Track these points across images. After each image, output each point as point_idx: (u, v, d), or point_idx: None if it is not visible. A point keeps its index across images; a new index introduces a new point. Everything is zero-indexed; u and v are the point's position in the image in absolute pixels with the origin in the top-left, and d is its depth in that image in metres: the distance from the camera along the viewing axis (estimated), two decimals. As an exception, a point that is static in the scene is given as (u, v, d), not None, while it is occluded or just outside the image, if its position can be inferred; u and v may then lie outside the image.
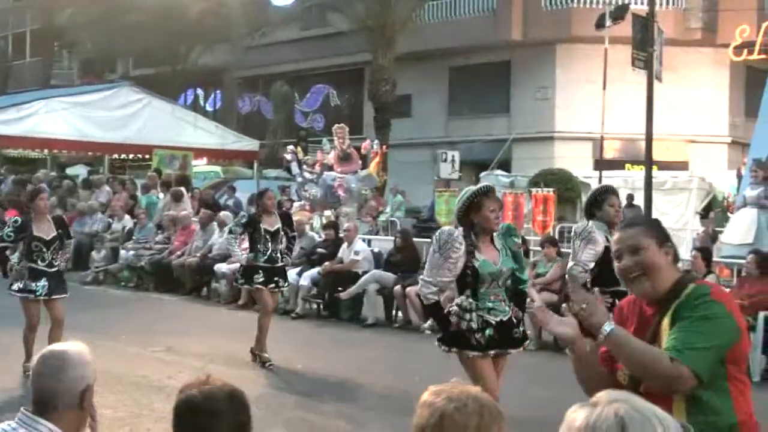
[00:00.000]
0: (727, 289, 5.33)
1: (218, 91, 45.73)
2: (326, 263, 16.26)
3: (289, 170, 23.20)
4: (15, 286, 10.45)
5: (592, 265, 8.05)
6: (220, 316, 16.31)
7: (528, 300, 13.16)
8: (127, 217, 22.02)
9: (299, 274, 16.14)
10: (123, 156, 31.94)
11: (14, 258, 10.85)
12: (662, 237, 3.77)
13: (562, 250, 15.20)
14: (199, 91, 46.07)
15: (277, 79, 39.70)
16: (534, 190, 21.42)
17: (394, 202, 26.74)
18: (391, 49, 31.65)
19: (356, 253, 16.17)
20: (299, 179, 21.62)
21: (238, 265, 17.18)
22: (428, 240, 16.63)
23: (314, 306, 16.41)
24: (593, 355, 3.75)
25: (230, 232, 12.56)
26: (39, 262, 10.38)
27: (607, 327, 3.54)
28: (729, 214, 20.94)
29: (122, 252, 20.29)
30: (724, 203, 24.31)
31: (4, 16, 46.54)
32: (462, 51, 34.47)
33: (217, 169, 33.56)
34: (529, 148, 32.85)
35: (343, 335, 14.42)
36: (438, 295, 7.00)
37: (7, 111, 27.91)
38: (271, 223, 11.99)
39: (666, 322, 3.62)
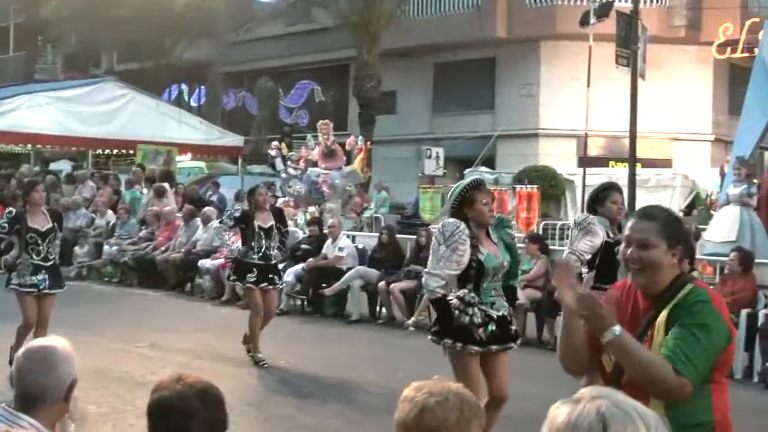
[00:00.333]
0: (710, 287, 5.34)
1: (203, 87, 45.64)
2: (310, 259, 16.26)
3: (273, 166, 23.16)
4: (15, 281, 10.23)
5: (588, 256, 7.98)
6: (203, 311, 16.30)
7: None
8: (110, 212, 21.97)
9: (283, 271, 16.13)
10: (107, 151, 31.84)
11: (10, 255, 10.61)
12: (674, 238, 3.73)
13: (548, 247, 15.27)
14: (184, 87, 45.98)
15: (262, 74, 39.66)
16: (518, 186, 21.46)
17: (378, 199, 26.73)
18: (375, 45, 31.66)
19: (340, 249, 16.18)
20: (283, 175, 21.60)
21: (222, 260, 17.32)
22: (412, 236, 16.75)
23: (298, 302, 16.42)
24: (583, 331, 3.74)
25: (220, 222, 12.37)
26: (34, 256, 10.18)
27: (617, 329, 3.52)
28: (712, 212, 21.01)
29: (105, 247, 20.24)
30: (708, 201, 24.39)
31: (-13, 10, 46.34)
32: (447, 47, 34.47)
33: (202, 164, 33.50)
34: (514, 144, 32.88)
35: (327, 331, 14.43)
36: (445, 289, 6.89)
37: (-9, 105, 27.78)
38: (264, 220, 11.76)
39: (662, 318, 3.62)
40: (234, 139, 32.44)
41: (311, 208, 20.59)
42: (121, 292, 18.57)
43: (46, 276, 10.22)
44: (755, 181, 16.90)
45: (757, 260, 12.78)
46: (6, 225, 10.26)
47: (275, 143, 22.81)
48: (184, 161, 32.01)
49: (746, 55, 25.99)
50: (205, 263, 17.78)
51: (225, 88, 44.41)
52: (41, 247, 10.23)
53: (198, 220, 19.11)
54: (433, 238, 6.99)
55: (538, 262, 13.99)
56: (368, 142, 24.19)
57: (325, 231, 16.91)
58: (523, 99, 33.51)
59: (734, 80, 31.07)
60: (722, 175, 21.07)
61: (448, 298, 6.94)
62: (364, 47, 31.70)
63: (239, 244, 12.25)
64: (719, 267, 13.34)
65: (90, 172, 27.63)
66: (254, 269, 11.55)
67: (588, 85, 23.96)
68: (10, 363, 9.65)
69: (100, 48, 42.45)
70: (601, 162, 29.94)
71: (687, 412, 3.53)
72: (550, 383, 6.82)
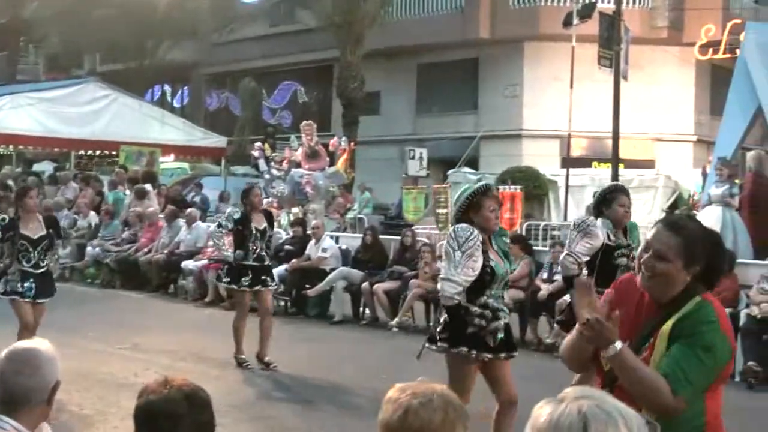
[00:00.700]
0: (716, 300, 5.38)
1: (186, 88, 45.57)
2: (294, 260, 16.25)
3: (256, 167, 23.14)
4: (1, 289, 10.03)
5: (586, 258, 7.90)
6: (186, 313, 16.27)
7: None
8: (92, 213, 21.89)
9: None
10: (89, 152, 31.73)
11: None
12: (694, 258, 3.66)
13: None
14: (167, 87, 45.88)
15: (245, 75, 39.61)
16: (501, 187, 21.42)
17: (361, 199, 26.73)
18: (359, 45, 31.68)
19: (324, 250, 16.18)
20: (267, 176, 21.58)
21: (205, 261, 17.29)
22: (396, 237, 16.76)
23: (281, 303, 16.39)
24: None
25: (219, 226, 11.99)
26: (24, 263, 9.96)
27: (618, 344, 3.50)
28: (694, 212, 21.09)
29: (88, 249, 20.18)
30: (690, 201, 24.47)
31: (-31, 10, 46.14)
32: (430, 48, 34.51)
33: (185, 165, 33.42)
34: (497, 145, 32.92)
35: (310, 332, 14.42)
36: (461, 296, 6.69)
37: (-27, 107, 27.65)
38: (260, 221, 11.57)
39: (666, 328, 3.60)
40: (217, 140, 32.37)
41: (295, 209, 20.58)
42: (104, 293, 18.51)
43: (34, 284, 9.98)
44: (737, 181, 16.96)
45: (738, 260, 12.85)
46: None
47: (258, 144, 22.78)
48: (167, 162, 31.93)
49: (728, 56, 26.11)
50: (188, 264, 17.75)
51: (208, 88, 44.34)
52: (32, 255, 10.00)
53: (180, 221, 19.08)
54: (446, 244, 6.78)
55: (522, 263, 14.01)
56: (352, 143, 24.19)
57: (309, 232, 16.90)
58: (507, 100, 33.57)
59: (716, 81, 31.23)
60: (704, 175, 21.15)
61: (469, 306, 6.76)
62: (347, 48, 31.72)
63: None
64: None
65: (73, 173, 27.54)
66: (249, 272, 11.37)
67: (571, 86, 24.04)
68: None
69: (82, 49, 42.30)
70: (584, 162, 30.03)
71: (679, 417, 3.54)
72: (533, 383, 6.86)
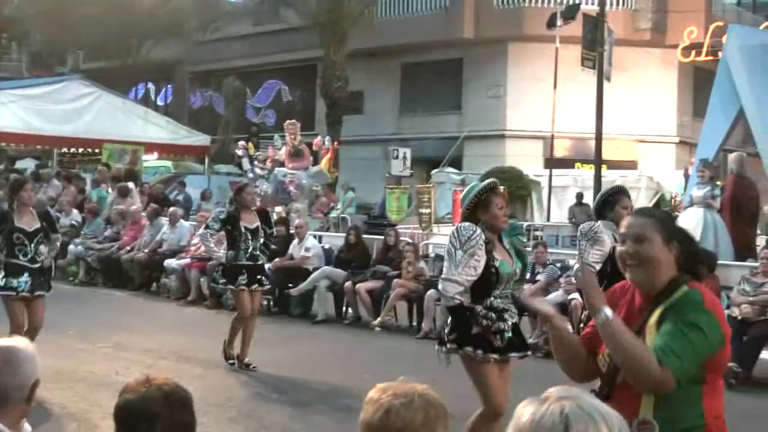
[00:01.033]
0: (706, 287, 5.50)
1: (169, 86, 45.48)
2: (277, 259, 16.23)
3: (240, 166, 23.12)
4: None
5: (599, 266, 7.70)
6: (169, 311, 16.23)
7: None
8: (75, 211, 21.82)
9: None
10: (72, 150, 31.63)
11: None
12: (671, 234, 3.74)
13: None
14: (150, 86, 45.80)
15: (229, 74, 39.57)
16: (485, 187, 21.45)
17: (345, 199, 26.73)
18: (343, 45, 31.68)
19: (307, 249, 16.17)
20: (250, 175, 21.54)
21: (188, 259, 17.27)
22: (379, 237, 16.77)
23: (264, 302, 16.36)
24: (572, 335, 3.76)
25: (206, 227, 11.79)
26: (21, 257, 9.77)
27: (608, 311, 3.54)
28: (676, 214, 21.18)
29: (71, 247, 20.10)
30: (672, 202, 24.59)
31: (-50, 6, 45.91)
32: (414, 48, 34.55)
33: (168, 164, 33.36)
34: (481, 145, 32.99)
35: (293, 331, 14.41)
36: (463, 296, 6.57)
37: (-45, 103, 27.54)
38: (251, 221, 11.34)
39: (654, 319, 3.63)
40: (201, 139, 32.31)
41: (278, 208, 20.55)
42: (86, 291, 18.45)
43: (29, 279, 9.79)
44: (718, 183, 17.06)
45: (720, 261, 12.92)
46: None
47: (242, 143, 22.74)
48: (150, 160, 31.86)
49: (710, 58, 26.20)
50: (171, 263, 17.71)
51: (192, 87, 44.26)
52: (29, 248, 9.85)
53: (163, 219, 19.04)
54: (448, 243, 6.67)
55: (504, 263, 14.01)
56: (335, 143, 24.20)
57: (292, 231, 16.89)
58: (490, 100, 33.64)
59: (699, 83, 31.39)
60: (686, 177, 21.27)
61: (473, 307, 6.65)
62: (331, 47, 31.72)
63: (223, 249, 11.78)
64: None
65: (55, 170, 27.45)
66: (244, 271, 11.22)
67: (554, 87, 24.12)
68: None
69: (65, 46, 42.15)
70: (567, 163, 30.13)
71: (677, 416, 3.55)
72: (515, 383, 6.86)
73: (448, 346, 6.76)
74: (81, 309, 15.80)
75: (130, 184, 21.75)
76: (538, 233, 21.73)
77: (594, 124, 23.81)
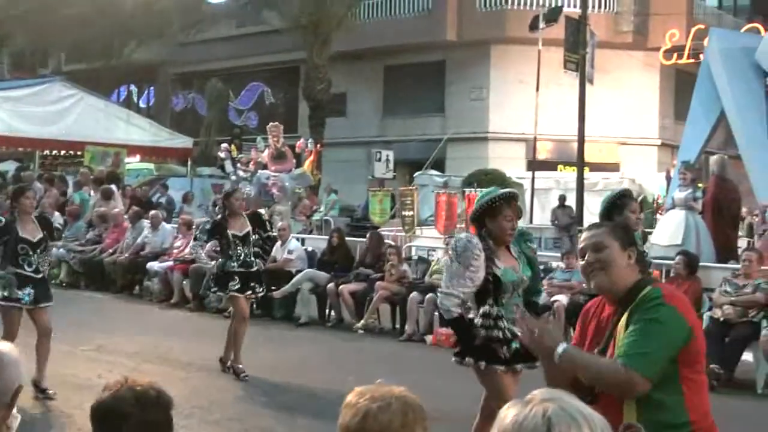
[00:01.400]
0: (669, 286, 5.52)
1: (152, 88, 45.37)
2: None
3: (222, 168, 23.06)
4: None
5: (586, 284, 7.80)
6: (152, 314, 16.19)
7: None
8: (57, 214, 21.70)
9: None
10: (54, 152, 31.49)
11: None
12: (626, 240, 3.86)
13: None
14: (133, 88, 45.67)
15: (212, 76, 39.50)
16: (467, 190, 21.54)
17: (327, 201, 26.73)
18: (326, 47, 31.69)
19: (290, 251, 16.16)
20: (233, 177, 21.50)
21: (171, 262, 17.23)
22: (362, 239, 16.77)
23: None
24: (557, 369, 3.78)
25: (195, 239, 11.61)
26: (26, 267, 9.46)
27: (560, 348, 3.62)
28: (658, 216, 21.27)
29: (53, 249, 20.00)
30: (654, 205, 24.69)
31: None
32: (397, 50, 34.59)
33: (151, 166, 33.25)
34: (463, 148, 33.04)
35: (276, 334, 14.39)
36: (461, 308, 6.47)
37: (-64, 105, 27.39)
38: (240, 227, 11.07)
39: (622, 322, 3.70)
40: (183, 141, 32.23)
41: (261, 211, 20.53)
42: (68, 294, 18.34)
43: (33, 290, 9.52)
44: (700, 185, 17.14)
45: (701, 263, 12.98)
46: None
47: (225, 145, 22.70)
48: (132, 163, 31.76)
49: (692, 61, 26.35)
50: (153, 266, 17.67)
51: (174, 89, 44.16)
52: (32, 258, 9.53)
53: (144, 222, 18.98)
54: (446, 255, 6.65)
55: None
56: (318, 145, 24.18)
57: (269, 230, 16.84)
58: (473, 102, 33.70)
59: (680, 86, 31.52)
60: (668, 179, 21.36)
61: (471, 317, 6.58)
62: (314, 49, 31.72)
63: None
64: (665, 270, 13.50)
65: (37, 173, 27.33)
66: (236, 277, 10.97)
67: (537, 90, 24.17)
68: (42, 390, 9.37)
69: (47, 47, 41.99)
70: (549, 166, 30.20)
71: (660, 414, 3.59)
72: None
73: (453, 358, 6.75)
74: (63, 312, 15.67)
75: (113, 187, 21.69)
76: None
77: (576, 127, 23.88)
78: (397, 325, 14.67)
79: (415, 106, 35.22)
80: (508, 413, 2.17)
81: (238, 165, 21.39)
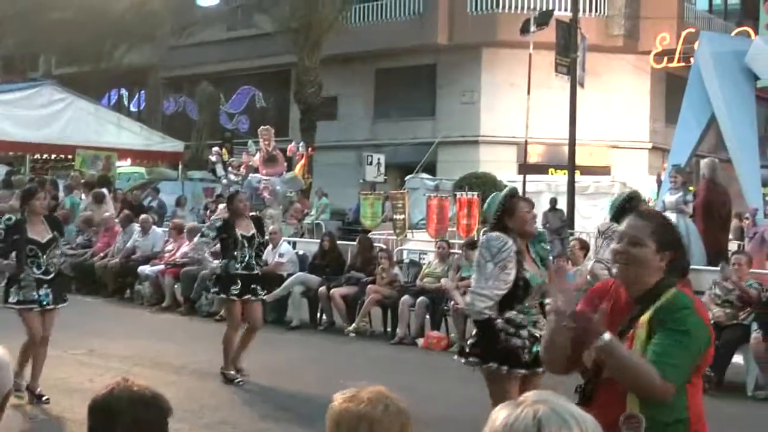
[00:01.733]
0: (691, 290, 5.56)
1: (142, 92, 45.29)
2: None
3: (213, 172, 23.08)
4: (12, 298, 9.38)
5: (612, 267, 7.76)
6: (143, 318, 16.16)
7: (452, 303, 13.17)
8: (48, 217, 21.66)
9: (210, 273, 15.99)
10: (45, 156, 31.44)
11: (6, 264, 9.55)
12: (665, 243, 3.82)
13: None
14: (123, 91, 45.61)
15: (203, 79, 39.46)
16: (458, 193, 21.58)
17: (318, 205, 26.73)
18: (317, 51, 31.71)
19: (281, 255, 16.14)
20: (224, 181, 21.52)
21: (162, 266, 17.21)
22: (353, 243, 16.76)
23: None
24: (566, 334, 3.75)
25: (202, 235, 11.38)
26: (35, 269, 9.36)
27: (606, 336, 3.57)
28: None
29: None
30: (645, 208, 24.71)
31: None
32: (388, 54, 34.62)
33: (142, 170, 33.22)
34: (454, 151, 33.07)
35: (267, 337, 14.32)
36: (492, 310, 6.34)
37: (-74, 109, 27.33)
38: (246, 228, 11.03)
39: (644, 319, 3.69)
40: (174, 145, 32.21)
41: (252, 215, 20.52)
42: (59, 298, 18.30)
43: (49, 290, 9.44)
44: (691, 188, 17.20)
45: (692, 266, 12.97)
46: (2, 232, 9.37)
47: (216, 149, 22.72)
48: (123, 167, 31.74)
49: (682, 64, 26.42)
50: (144, 269, 17.65)
51: (165, 93, 44.10)
52: (41, 260, 9.42)
53: (135, 226, 18.95)
54: (477, 254, 6.44)
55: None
56: (309, 149, 24.19)
57: (266, 237, 16.84)
58: (464, 106, 33.72)
59: (671, 89, 31.59)
60: (659, 182, 21.41)
61: (498, 320, 6.42)
62: (305, 53, 31.73)
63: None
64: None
65: (28, 176, 27.27)
66: (238, 281, 10.86)
67: (528, 93, 24.19)
68: (39, 397, 9.27)
69: (38, 52, 41.91)
70: (540, 169, 30.25)
71: (664, 411, 3.62)
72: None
73: (470, 358, 6.56)
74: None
75: (105, 191, 21.67)
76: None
77: (567, 130, 23.92)
78: (389, 329, 14.67)
79: (407, 109, 35.24)
80: (499, 414, 2.17)
81: (229, 169, 21.41)
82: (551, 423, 2.11)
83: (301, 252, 17.19)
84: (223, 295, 11.09)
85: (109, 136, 29.51)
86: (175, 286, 16.94)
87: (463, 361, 6.64)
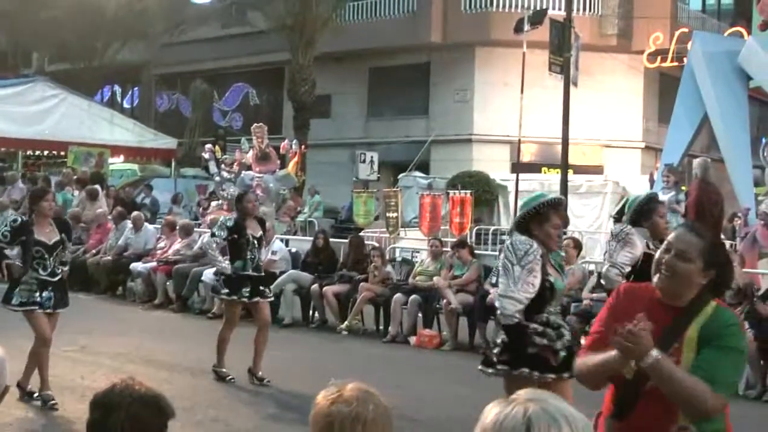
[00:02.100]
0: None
1: (136, 88, 45.25)
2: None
3: (207, 169, 23.04)
4: (15, 300, 9.30)
5: (628, 268, 7.67)
6: (135, 315, 16.16)
7: (444, 301, 13.19)
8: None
9: (216, 274, 15.97)
10: (37, 152, 31.40)
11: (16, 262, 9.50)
12: (712, 263, 3.76)
13: (478, 252, 15.45)
14: (117, 88, 45.54)
15: (196, 77, 39.40)
16: (451, 192, 21.59)
17: (311, 203, 26.73)
18: (310, 48, 31.67)
19: (274, 253, 16.13)
20: (217, 178, 21.49)
21: (154, 263, 17.20)
22: (346, 241, 16.77)
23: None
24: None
25: (212, 235, 11.14)
26: (41, 271, 9.28)
27: (655, 352, 3.51)
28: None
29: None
30: (637, 207, 24.73)
31: None
32: (382, 52, 34.58)
33: (134, 167, 33.16)
34: (448, 150, 33.06)
35: (259, 335, 14.36)
36: (521, 314, 6.15)
37: None
38: (255, 229, 10.89)
39: (692, 335, 3.67)
40: (167, 142, 32.19)
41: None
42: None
43: (52, 294, 9.36)
44: (683, 188, 17.21)
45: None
46: (8, 233, 9.29)
47: (209, 146, 22.68)
48: (116, 163, 31.69)
49: (676, 64, 26.41)
50: (137, 266, 17.64)
51: (158, 90, 44.04)
52: (48, 262, 9.35)
53: (128, 222, 18.93)
54: (503, 257, 6.27)
55: (471, 267, 14.10)
56: (302, 146, 24.17)
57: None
58: (457, 104, 33.71)
59: (664, 89, 31.61)
60: (652, 182, 21.42)
61: (529, 325, 6.22)
62: (298, 51, 31.70)
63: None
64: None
65: (20, 173, 27.24)
66: (248, 282, 10.74)
67: (521, 92, 24.17)
68: (29, 394, 9.19)
69: (30, 48, 41.82)
70: (534, 168, 30.24)
71: (708, 421, 3.65)
72: (482, 387, 6.88)
73: (498, 367, 6.32)
74: (46, 313, 15.67)
75: (98, 187, 21.64)
76: (504, 237, 21.78)
77: (560, 129, 23.91)
78: (381, 327, 14.69)
79: (400, 107, 35.23)
80: (490, 412, 2.17)
81: (223, 166, 21.39)
82: (541, 422, 2.11)
83: (293, 250, 17.20)
84: (234, 297, 10.85)
85: (102, 132, 29.48)
86: (168, 283, 16.94)
87: (490, 371, 6.38)
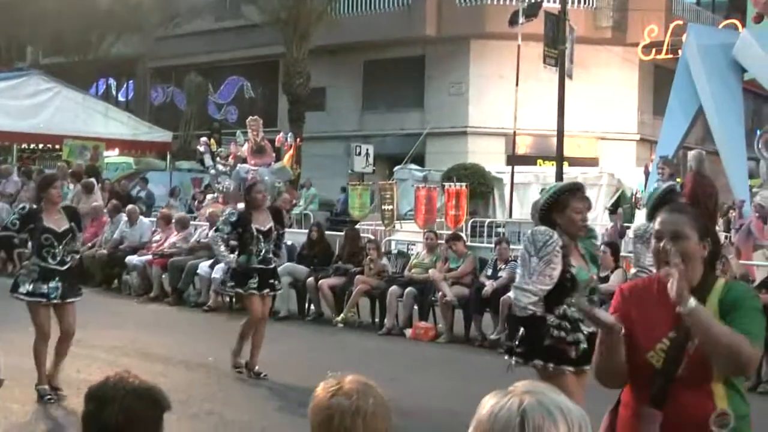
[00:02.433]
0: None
1: (130, 82, 45.19)
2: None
3: (202, 162, 23.03)
4: (22, 289, 9.18)
5: (655, 270, 7.52)
6: (130, 308, 16.14)
7: (440, 293, 13.18)
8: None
9: (211, 267, 16.01)
10: (32, 146, 31.34)
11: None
12: (704, 231, 3.75)
13: (473, 244, 15.45)
14: (111, 81, 45.46)
15: (191, 70, 39.35)
16: (447, 184, 21.62)
17: (306, 196, 26.73)
18: (305, 42, 31.66)
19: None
20: (212, 171, 21.49)
21: (149, 256, 17.19)
22: (341, 233, 16.78)
23: (226, 299, 16.33)
24: (621, 344, 3.67)
25: (216, 230, 11.01)
26: (50, 260, 9.16)
27: (692, 301, 3.49)
28: (637, 210, 21.36)
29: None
30: (632, 199, 24.77)
31: None
32: (376, 45, 34.59)
33: (130, 160, 33.11)
34: (443, 142, 33.08)
35: (255, 328, 14.37)
36: (537, 306, 6.05)
37: None
38: (263, 222, 10.68)
39: (713, 309, 3.64)
40: (162, 135, 32.15)
41: (240, 205, 20.50)
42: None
43: (59, 283, 9.23)
44: (678, 180, 17.21)
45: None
46: (17, 221, 9.22)
47: (204, 139, 22.66)
48: (111, 157, 31.65)
49: (670, 56, 26.46)
50: (132, 259, 17.62)
51: (153, 83, 43.99)
52: (57, 250, 9.23)
53: (123, 216, 18.92)
54: (522, 248, 6.24)
55: (466, 260, 14.11)
56: (298, 139, 24.18)
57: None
58: (452, 97, 33.73)
59: (659, 81, 31.68)
60: (647, 174, 21.46)
61: (545, 317, 6.11)
62: (293, 44, 31.69)
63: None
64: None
65: (15, 166, 27.19)
66: (255, 275, 10.61)
67: (516, 84, 24.23)
68: (41, 396, 9.10)
69: (25, 41, 41.74)
70: (529, 160, 30.30)
71: (740, 405, 3.65)
72: (477, 379, 6.91)
73: (515, 358, 6.27)
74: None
75: (94, 180, 21.62)
76: (500, 230, 21.84)
77: (555, 122, 23.95)
78: (377, 319, 14.70)
79: (395, 100, 35.23)
80: (487, 403, 2.17)
81: (218, 159, 21.38)
82: (535, 414, 2.11)
83: (289, 242, 17.17)
84: (240, 290, 10.82)
85: (96, 126, 29.43)
86: (163, 276, 16.93)
87: (513, 361, 6.28)
